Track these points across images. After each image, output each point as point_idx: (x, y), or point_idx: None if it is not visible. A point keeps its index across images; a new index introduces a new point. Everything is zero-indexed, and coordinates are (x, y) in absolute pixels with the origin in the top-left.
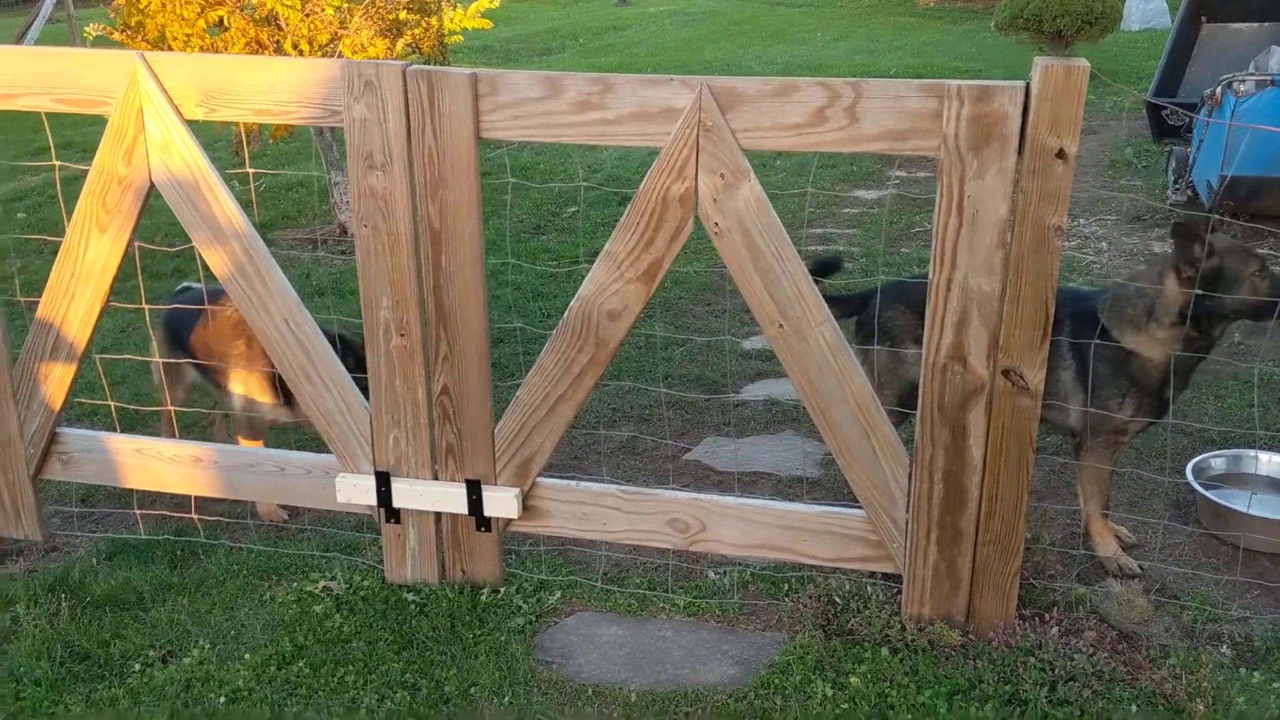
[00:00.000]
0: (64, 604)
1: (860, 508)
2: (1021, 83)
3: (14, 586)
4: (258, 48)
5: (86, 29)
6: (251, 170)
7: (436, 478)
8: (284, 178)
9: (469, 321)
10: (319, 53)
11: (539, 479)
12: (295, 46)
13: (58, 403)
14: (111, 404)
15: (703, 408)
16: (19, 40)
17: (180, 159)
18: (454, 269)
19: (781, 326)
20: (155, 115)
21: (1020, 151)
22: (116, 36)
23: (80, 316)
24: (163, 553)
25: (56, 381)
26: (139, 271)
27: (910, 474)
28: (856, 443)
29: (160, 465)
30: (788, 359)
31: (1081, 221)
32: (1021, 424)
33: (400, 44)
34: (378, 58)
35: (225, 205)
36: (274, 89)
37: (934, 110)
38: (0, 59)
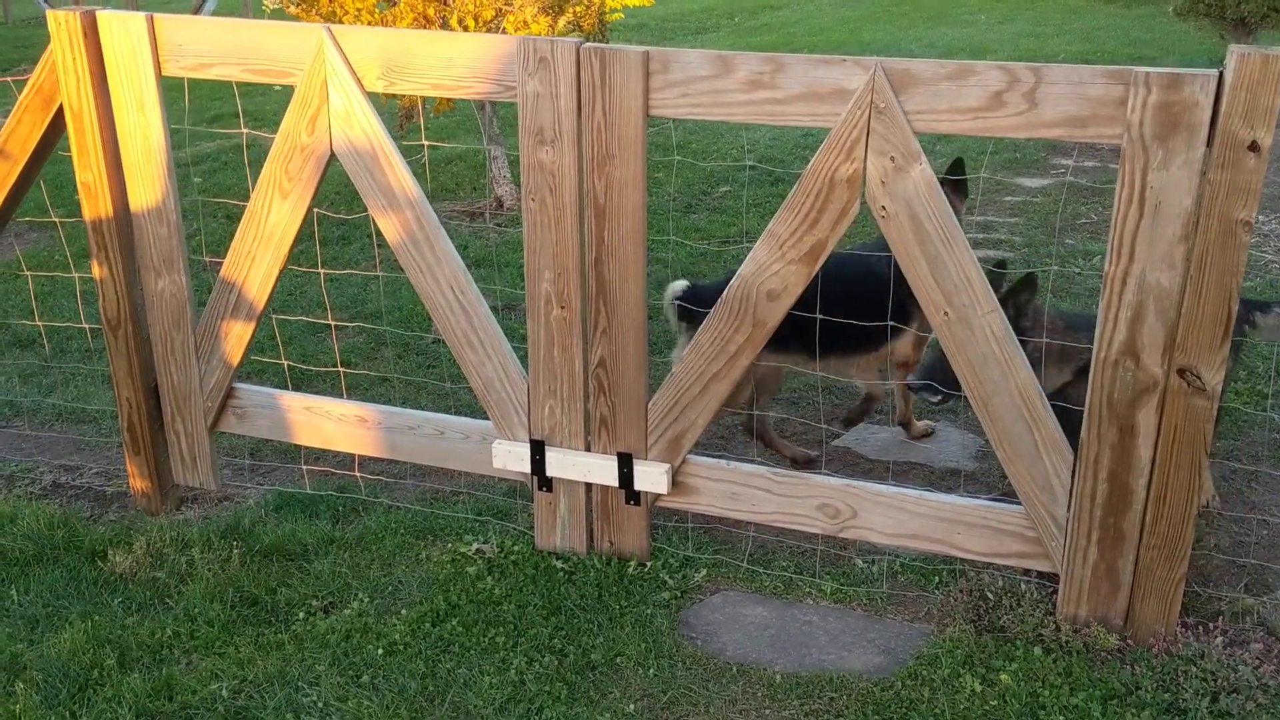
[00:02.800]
0: (235, 551)
1: (1019, 503)
2: (1214, 71)
3: (190, 531)
4: (425, 22)
5: (265, 1)
6: (426, 143)
7: (589, 449)
8: (443, 151)
9: (628, 295)
10: (483, 29)
11: (689, 456)
12: (460, 22)
13: (236, 359)
14: (285, 362)
15: (856, 393)
16: (195, 12)
17: (360, 129)
18: (616, 244)
19: (947, 314)
20: (339, 86)
21: (1209, 142)
22: (292, 10)
23: (261, 278)
24: (326, 508)
25: (236, 339)
26: (317, 237)
27: (1073, 471)
28: (1019, 436)
29: (328, 424)
30: (951, 348)
31: (1261, 218)
32: (1195, 426)
33: (562, 21)
34: (539, 35)
35: (400, 174)
36: (451, 64)
37: (1118, 97)
38: (198, 30)
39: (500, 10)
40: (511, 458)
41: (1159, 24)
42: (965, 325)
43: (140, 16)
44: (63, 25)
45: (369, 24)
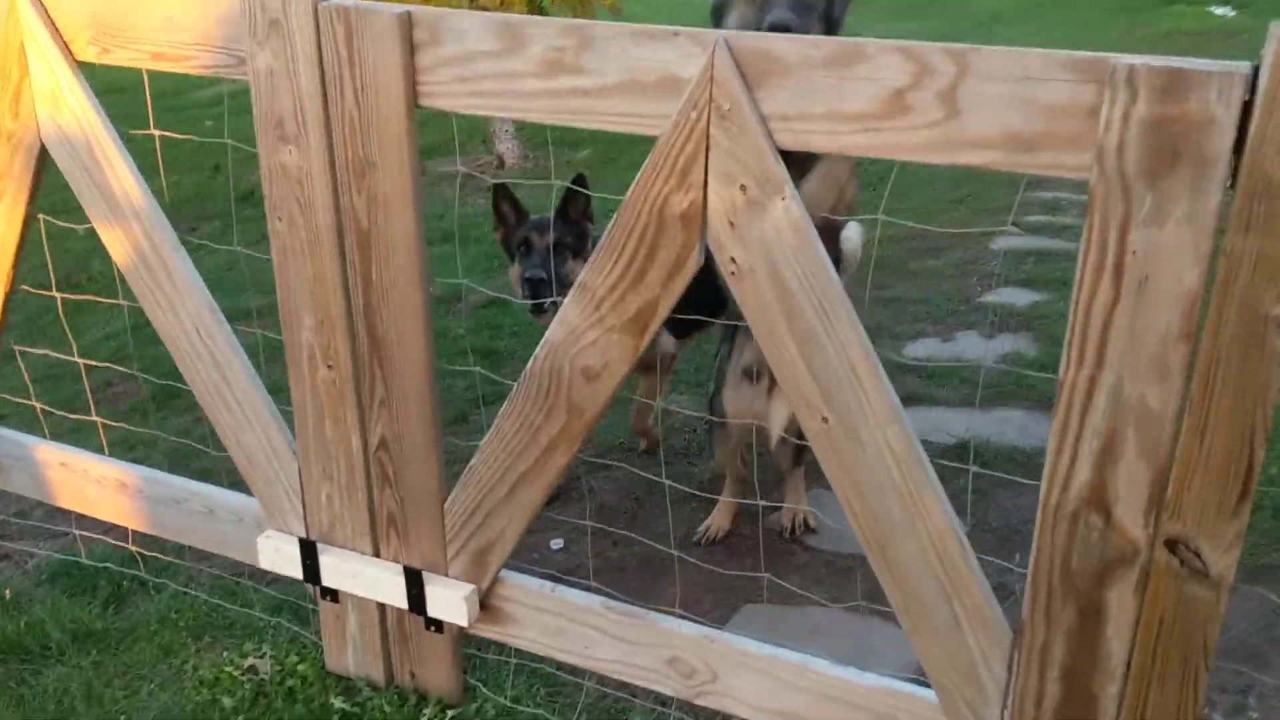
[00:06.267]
0: None
1: (931, 689)
2: (1241, 66)
3: None
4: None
5: None
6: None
7: (377, 553)
8: None
9: (409, 356)
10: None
11: (505, 574)
12: None
13: None
14: (36, 405)
15: None
16: None
17: (70, 113)
18: (387, 284)
19: (825, 420)
20: (39, 55)
21: (1231, 184)
22: None
23: None
24: (107, 582)
25: None
26: (46, 251)
27: (1011, 661)
28: (931, 603)
29: (88, 485)
30: (831, 465)
31: None
32: (1192, 623)
33: None
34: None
35: (122, 174)
36: (173, 26)
37: (1087, 104)
38: None
39: None
40: (280, 557)
41: None
42: (852, 437)
43: None
44: None
45: None
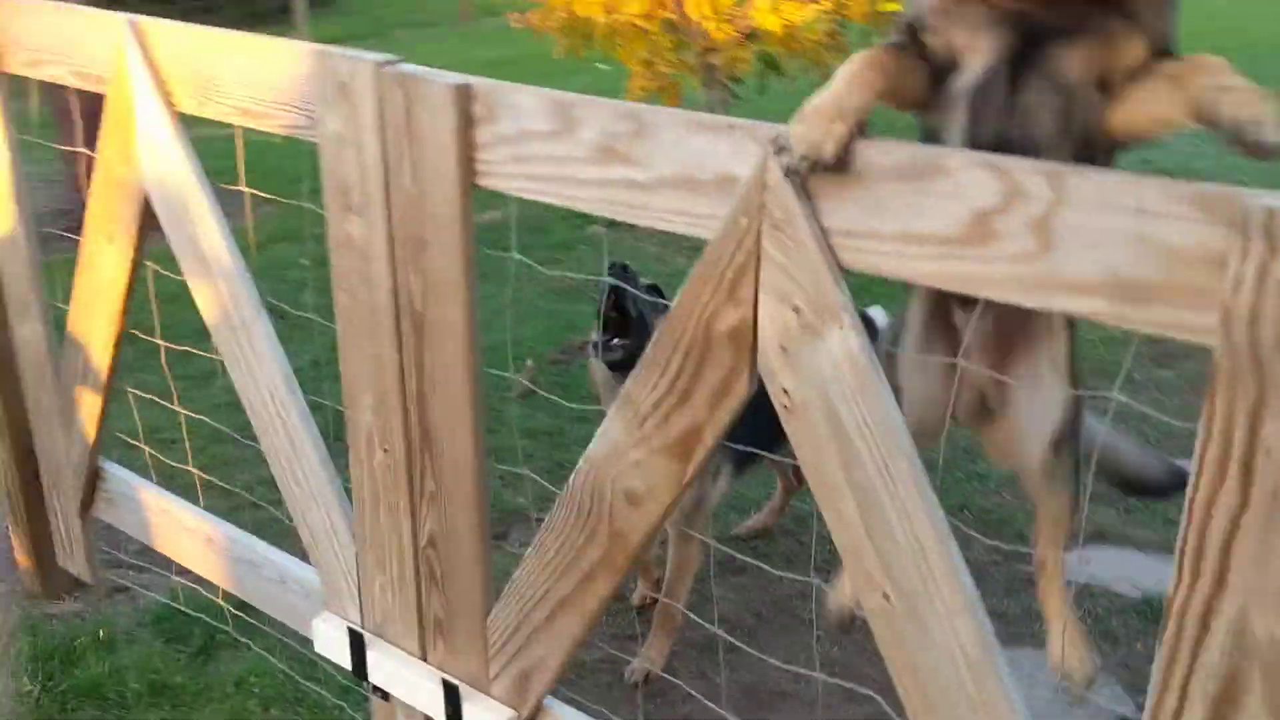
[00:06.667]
0: (43, 685)
1: None
2: None
3: (19, 648)
4: (656, 6)
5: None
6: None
7: (425, 655)
8: None
9: (458, 453)
10: (721, 19)
11: (549, 702)
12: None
13: (91, 434)
14: (146, 449)
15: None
16: None
17: (167, 163)
18: (438, 373)
19: (886, 597)
20: (144, 103)
21: None
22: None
23: (101, 340)
24: (201, 633)
25: (88, 410)
26: (152, 296)
27: None
28: None
29: (183, 535)
30: (890, 647)
31: None
32: None
33: (811, 9)
34: (785, 26)
35: (211, 231)
36: (255, 83)
37: (1216, 251)
38: (33, 15)
39: None
40: (332, 644)
41: None
42: (915, 622)
43: None
44: None
45: (605, 9)
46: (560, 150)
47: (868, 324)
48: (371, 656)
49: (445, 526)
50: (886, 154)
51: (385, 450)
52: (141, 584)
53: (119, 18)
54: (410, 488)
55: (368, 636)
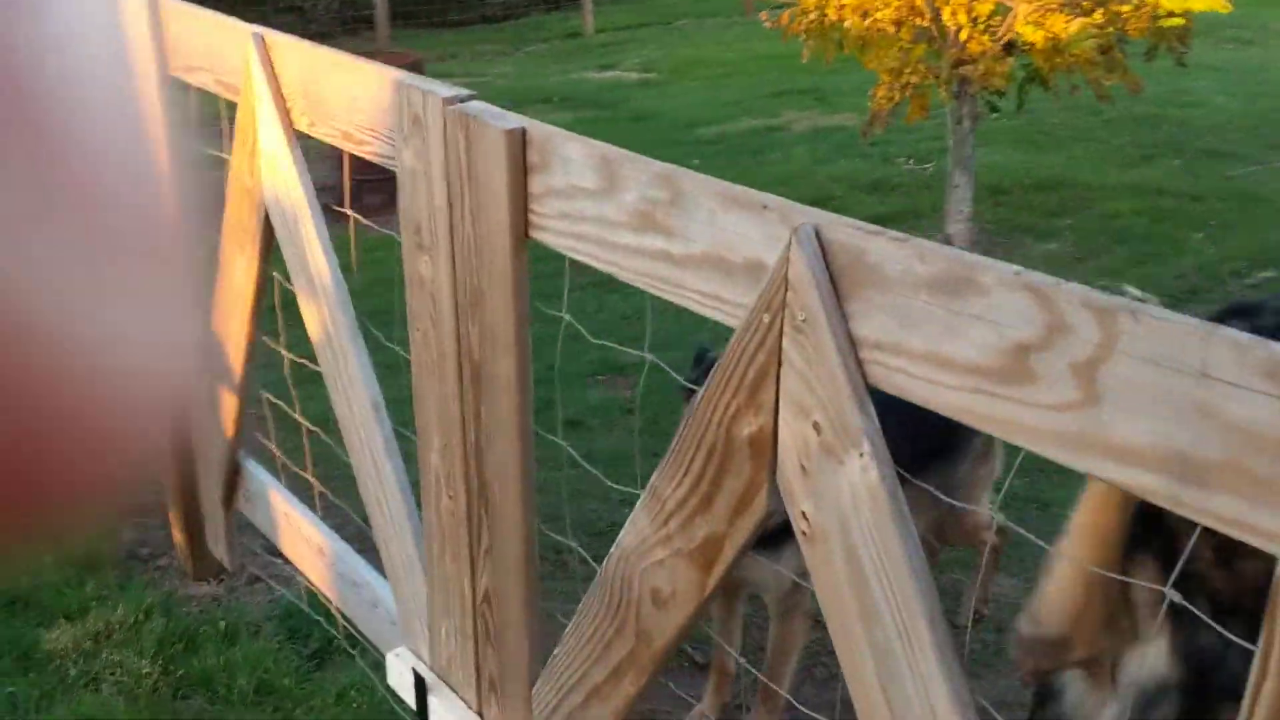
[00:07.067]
0: (160, 668)
1: None
2: None
3: (153, 627)
4: (911, 14)
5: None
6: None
7: (481, 713)
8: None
9: (507, 512)
10: (979, 29)
11: None
12: (954, 16)
13: (230, 430)
14: (275, 450)
15: None
16: None
17: (283, 180)
18: (493, 427)
19: None
20: (265, 118)
21: None
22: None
23: (235, 342)
24: (319, 636)
25: (227, 407)
26: (278, 304)
27: None
28: None
29: (300, 542)
30: None
31: None
32: None
33: (1078, 23)
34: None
35: (315, 251)
36: (356, 107)
37: None
38: (182, 21)
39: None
40: (402, 681)
41: None
42: None
43: None
44: None
45: (858, 13)
46: (605, 212)
47: None
48: (433, 702)
49: (498, 585)
50: (923, 260)
51: (450, 497)
52: (281, 577)
53: (247, 29)
54: (470, 538)
55: (431, 681)
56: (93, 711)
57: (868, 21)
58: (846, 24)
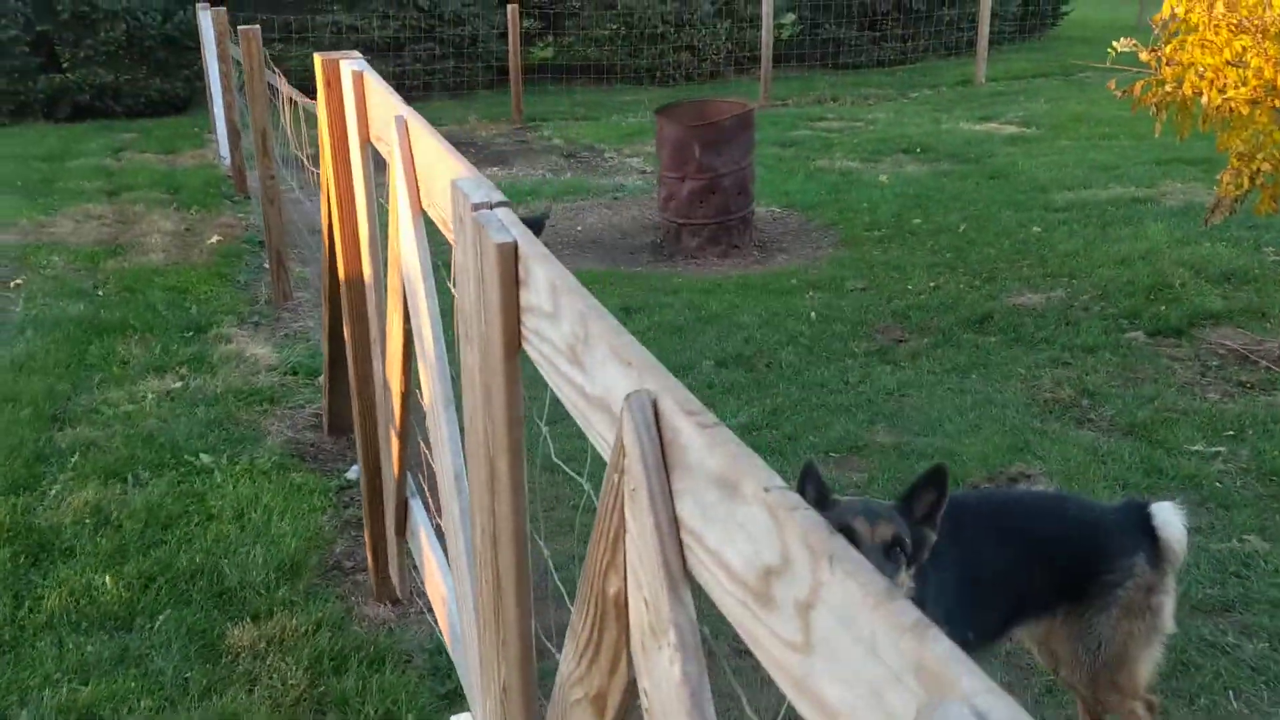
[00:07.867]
0: (305, 675)
1: None
2: None
3: (318, 640)
4: (1267, 94)
5: (1115, 43)
6: None
7: None
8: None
9: (509, 616)
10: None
11: None
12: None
13: (395, 469)
14: (429, 493)
15: None
16: None
17: (408, 250)
18: (499, 526)
19: None
20: (401, 193)
21: None
22: (1143, 56)
23: (395, 388)
24: (455, 679)
25: (394, 447)
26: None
27: None
28: None
29: (431, 585)
30: None
31: None
32: None
33: None
34: None
35: (425, 322)
36: (446, 197)
37: None
38: (370, 95)
39: None
40: None
41: None
42: None
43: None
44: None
45: (1215, 87)
46: (552, 336)
47: None
48: None
49: (508, 684)
50: (711, 451)
51: (486, 581)
52: None
53: (394, 110)
54: (495, 627)
55: None
56: (237, 710)
57: (1220, 100)
58: (1204, 99)
